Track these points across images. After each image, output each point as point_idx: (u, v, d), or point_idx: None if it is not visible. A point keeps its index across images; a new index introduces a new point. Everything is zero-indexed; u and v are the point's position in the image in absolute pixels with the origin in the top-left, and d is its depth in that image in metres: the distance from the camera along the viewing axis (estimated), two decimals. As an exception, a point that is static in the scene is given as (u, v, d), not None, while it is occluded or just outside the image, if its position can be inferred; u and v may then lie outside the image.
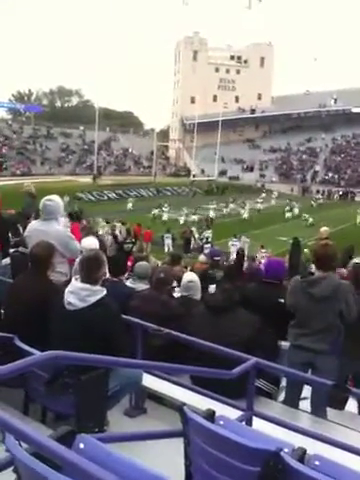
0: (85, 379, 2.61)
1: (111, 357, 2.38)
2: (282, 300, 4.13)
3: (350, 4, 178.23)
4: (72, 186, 46.68)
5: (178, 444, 2.19)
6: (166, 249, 25.34)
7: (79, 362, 2.32)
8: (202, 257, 15.57)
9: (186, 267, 13.97)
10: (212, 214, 36.47)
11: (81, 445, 1.62)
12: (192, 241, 26.61)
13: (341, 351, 3.81)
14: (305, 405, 3.85)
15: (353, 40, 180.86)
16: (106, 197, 46.39)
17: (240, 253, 15.54)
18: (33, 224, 4.93)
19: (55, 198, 4.81)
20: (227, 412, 2.95)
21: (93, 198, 44.71)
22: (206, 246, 24.99)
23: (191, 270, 13.69)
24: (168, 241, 26.11)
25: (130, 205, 37.43)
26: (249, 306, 4.15)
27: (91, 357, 2.21)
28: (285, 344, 4.18)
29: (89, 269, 3.23)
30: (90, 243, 6.12)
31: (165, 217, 33.71)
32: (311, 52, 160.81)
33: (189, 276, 4.91)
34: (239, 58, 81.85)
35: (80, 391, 2.64)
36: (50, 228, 4.59)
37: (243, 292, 4.99)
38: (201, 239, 26.31)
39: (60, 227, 4.68)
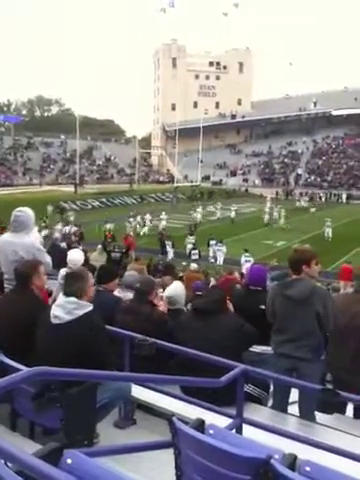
0: (73, 393, 2.58)
1: (98, 371, 2.36)
2: (263, 307, 4.16)
3: (326, 8, 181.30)
4: (55, 196, 46.50)
5: (169, 454, 2.17)
6: (169, 257, 25.31)
7: (65, 377, 2.29)
8: (193, 266, 15.64)
9: (175, 276, 13.97)
10: (234, 214, 38.20)
11: (68, 461, 1.60)
12: (166, 244, 26.76)
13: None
14: (294, 409, 3.86)
15: (330, 44, 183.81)
16: (90, 206, 46.27)
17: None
18: (3, 236, 4.86)
19: (26, 210, 4.72)
20: (218, 420, 2.95)
21: (76, 207, 44.52)
22: (194, 252, 25.05)
23: (180, 278, 13.73)
24: (169, 248, 26.00)
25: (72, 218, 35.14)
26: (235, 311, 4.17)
27: (78, 372, 2.18)
28: (266, 348, 4.20)
29: (71, 284, 3.24)
30: (76, 257, 6.07)
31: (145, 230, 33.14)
32: (289, 57, 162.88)
33: (170, 290, 4.87)
34: (218, 64, 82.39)
35: (68, 405, 2.61)
36: (19, 240, 4.51)
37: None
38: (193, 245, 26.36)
39: (29, 239, 4.60)
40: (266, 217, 36.84)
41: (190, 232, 28.46)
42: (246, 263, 21.31)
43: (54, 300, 3.63)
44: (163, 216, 34.51)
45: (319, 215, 37.76)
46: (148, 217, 34.85)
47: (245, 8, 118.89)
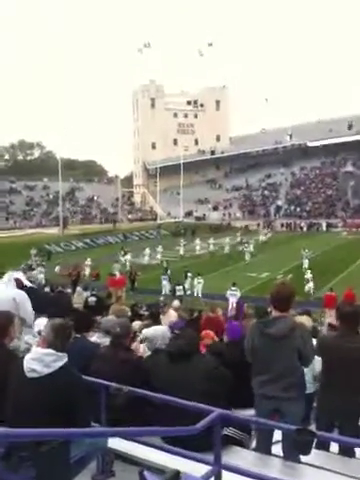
0: (44, 450, 2.50)
1: (68, 430, 2.30)
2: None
3: (297, 44, 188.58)
4: (39, 238, 46.43)
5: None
6: (163, 291, 25.17)
7: (32, 438, 2.23)
8: (175, 303, 15.49)
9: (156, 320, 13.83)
10: (212, 248, 40.06)
11: None
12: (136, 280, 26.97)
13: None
14: (278, 449, 3.78)
15: (303, 77, 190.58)
16: (74, 247, 46.16)
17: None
18: None
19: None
20: (197, 468, 2.88)
21: (60, 249, 44.37)
22: (178, 288, 24.87)
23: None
24: (165, 282, 25.83)
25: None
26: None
27: (46, 432, 2.13)
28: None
29: (65, 337, 3.23)
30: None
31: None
32: (263, 92, 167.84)
33: (151, 330, 4.77)
34: (195, 102, 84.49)
35: (39, 463, 2.53)
36: (10, 290, 4.47)
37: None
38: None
39: (18, 289, 4.56)
40: (226, 248, 38.76)
41: (165, 268, 28.57)
42: (231, 297, 21.30)
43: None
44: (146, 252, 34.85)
45: (298, 245, 38.06)
46: (147, 252, 35.56)
47: (219, 47, 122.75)
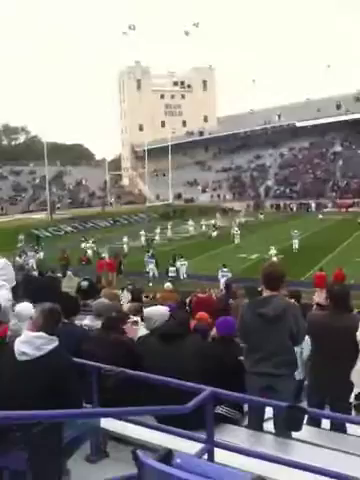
0: (36, 432, 2.49)
1: (60, 411, 2.28)
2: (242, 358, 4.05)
3: (285, 23, 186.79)
4: (27, 224, 46.07)
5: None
6: (151, 274, 25.21)
7: (24, 420, 2.22)
8: (167, 285, 15.53)
9: (154, 297, 13.86)
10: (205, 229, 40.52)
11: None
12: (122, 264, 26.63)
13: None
14: (270, 426, 3.82)
15: (290, 57, 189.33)
16: (63, 232, 45.90)
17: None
18: None
19: None
20: (190, 446, 2.90)
21: (49, 234, 44.11)
22: (171, 269, 24.80)
23: (153, 298, 13.61)
24: (151, 266, 25.71)
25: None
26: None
27: (38, 414, 2.11)
28: None
29: (54, 321, 3.23)
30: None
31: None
32: (251, 72, 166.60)
33: (150, 310, 4.75)
34: (182, 83, 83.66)
35: (32, 445, 2.52)
36: None
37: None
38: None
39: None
40: (209, 232, 39.04)
41: (147, 249, 28.49)
42: (222, 278, 21.42)
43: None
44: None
45: (291, 224, 38.28)
46: (142, 233, 36.08)
47: (206, 27, 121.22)
